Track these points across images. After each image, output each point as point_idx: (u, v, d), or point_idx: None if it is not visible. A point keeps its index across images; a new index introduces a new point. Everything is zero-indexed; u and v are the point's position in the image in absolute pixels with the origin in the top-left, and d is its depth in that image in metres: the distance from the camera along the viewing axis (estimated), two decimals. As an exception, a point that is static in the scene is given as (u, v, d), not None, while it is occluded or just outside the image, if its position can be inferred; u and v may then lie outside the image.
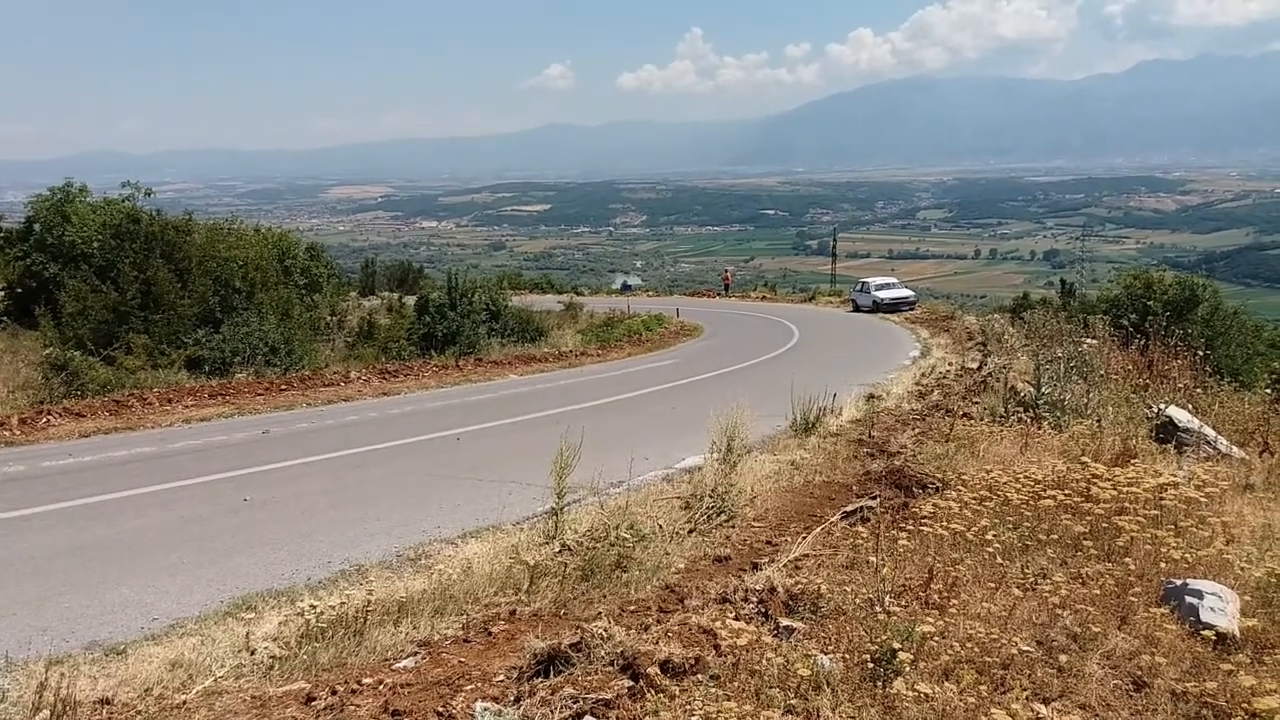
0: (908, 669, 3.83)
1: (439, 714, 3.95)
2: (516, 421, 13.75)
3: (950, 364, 18.64)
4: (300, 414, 14.70)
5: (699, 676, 3.92)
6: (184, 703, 4.25)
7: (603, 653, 4.10)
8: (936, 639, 4.10)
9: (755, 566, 5.80)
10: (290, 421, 13.87)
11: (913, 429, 10.16)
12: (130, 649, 5.15)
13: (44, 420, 13.14)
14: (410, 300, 32.87)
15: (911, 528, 5.84)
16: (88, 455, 11.19)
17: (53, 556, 7.04)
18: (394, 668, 4.62)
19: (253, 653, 4.84)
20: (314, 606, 5.26)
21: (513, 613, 5.32)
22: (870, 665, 3.91)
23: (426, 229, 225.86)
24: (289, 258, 27.92)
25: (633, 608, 5.23)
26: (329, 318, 28.42)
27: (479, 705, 3.86)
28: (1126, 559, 5.15)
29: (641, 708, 3.69)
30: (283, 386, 16.82)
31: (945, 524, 5.68)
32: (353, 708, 4.08)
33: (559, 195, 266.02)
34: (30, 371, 16.70)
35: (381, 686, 4.32)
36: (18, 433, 12.50)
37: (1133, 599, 4.59)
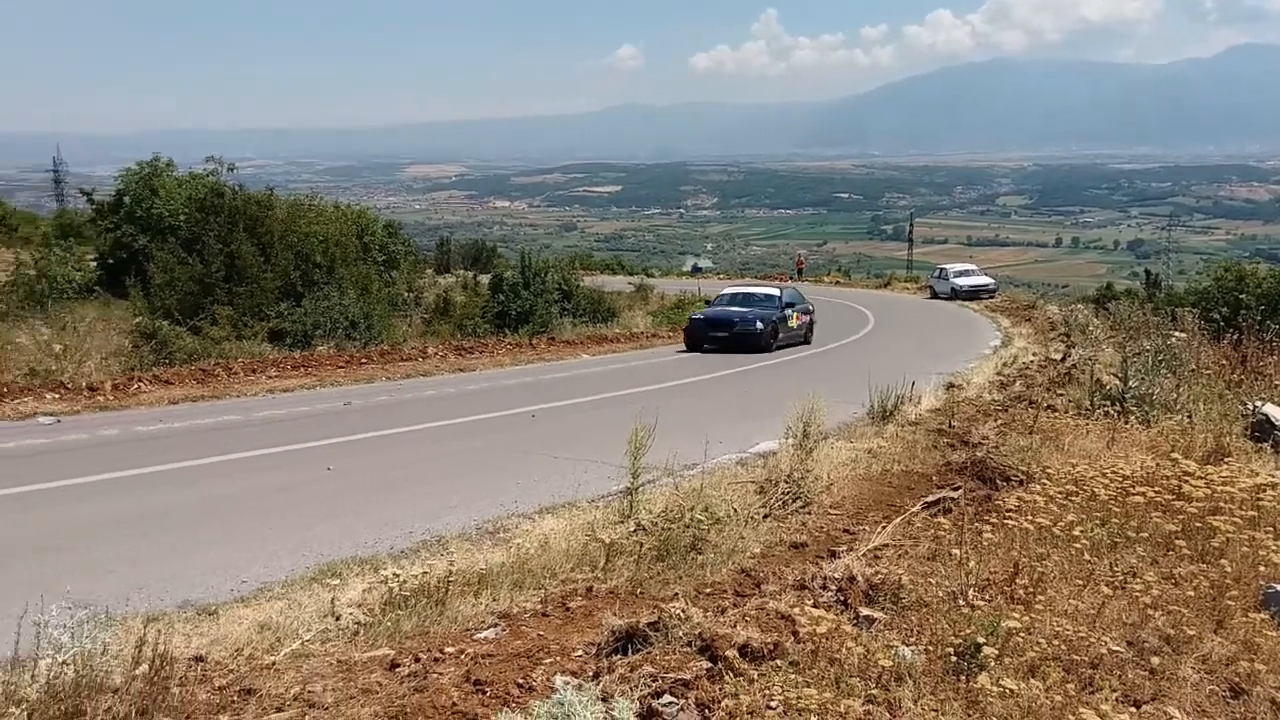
0: (992, 664, 3.76)
1: (520, 685, 3.99)
2: (590, 400, 13.83)
3: (1033, 354, 18.24)
4: (380, 387, 14.98)
5: (777, 662, 3.90)
6: (273, 664, 4.37)
7: (680, 633, 4.10)
8: (1022, 635, 4.02)
9: (833, 554, 5.75)
10: (370, 394, 14.14)
11: (995, 420, 9.95)
12: (221, 610, 5.29)
13: (135, 386, 13.61)
14: (485, 279, 33.21)
15: (995, 520, 5.73)
16: (177, 422, 11.55)
17: (145, 518, 7.27)
18: (475, 638, 4.68)
19: (338, 618, 4.94)
20: (397, 575, 5.35)
21: (589, 589, 5.36)
22: (953, 659, 3.85)
23: (500, 209, 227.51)
24: (367, 234, 28.39)
25: (708, 590, 5.23)
26: (406, 294, 28.88)
27: (559, 679, 3.89)
28: (1222, 560, 4.98)
29: (720, 689, 3.68)
30: (362, 360, 17.17)
31: (1030, 518, 5.56)
32: (435, 675, 4.14)
33: (629, 176, 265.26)
34: (121, 340, 17.27)
35: (463, 656, 4.38)
36: (111, 398, 12.97)
37: (1229, 602, 4.44)
